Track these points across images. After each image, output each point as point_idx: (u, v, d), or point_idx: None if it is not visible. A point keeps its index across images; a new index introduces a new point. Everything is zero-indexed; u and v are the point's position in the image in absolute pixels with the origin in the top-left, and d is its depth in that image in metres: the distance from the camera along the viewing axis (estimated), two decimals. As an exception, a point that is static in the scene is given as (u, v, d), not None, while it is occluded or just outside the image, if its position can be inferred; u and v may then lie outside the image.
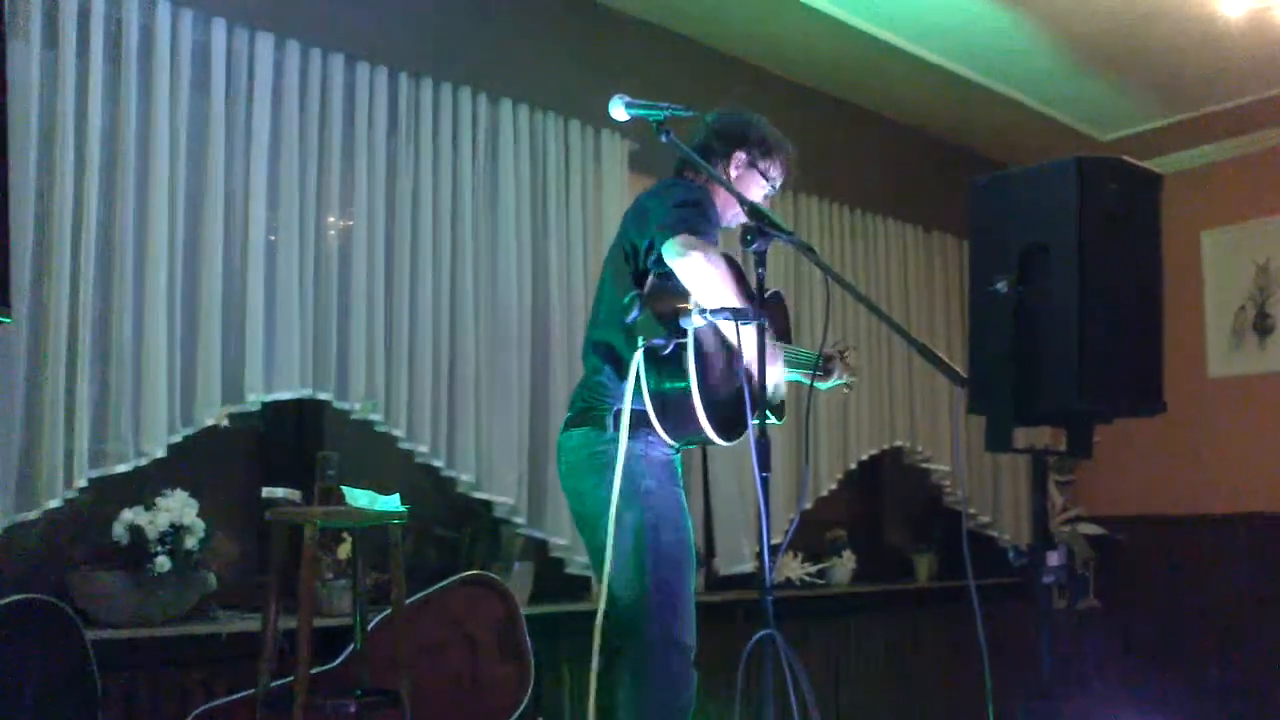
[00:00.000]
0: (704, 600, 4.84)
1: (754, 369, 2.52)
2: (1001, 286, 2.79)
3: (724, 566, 5.04)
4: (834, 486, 5.54)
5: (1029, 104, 5.88)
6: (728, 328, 2.76)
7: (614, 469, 2.75)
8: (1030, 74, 5.55)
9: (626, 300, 2.89)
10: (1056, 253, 2.78)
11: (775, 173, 3.23)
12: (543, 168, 4.52)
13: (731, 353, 2.83)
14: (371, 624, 3.54)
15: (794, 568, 5.38)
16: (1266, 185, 6.28)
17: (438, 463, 4.09)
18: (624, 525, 2.78)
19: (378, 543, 3.49)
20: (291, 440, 4.14)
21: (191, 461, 3.70)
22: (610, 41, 4.78)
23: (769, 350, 2.68)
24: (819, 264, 2.56)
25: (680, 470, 3.00)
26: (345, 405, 3.91)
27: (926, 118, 6.07)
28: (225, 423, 3.72)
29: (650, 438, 2.84)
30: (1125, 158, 2.92)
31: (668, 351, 2.74)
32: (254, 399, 3.71)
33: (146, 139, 3.54)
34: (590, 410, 2.96)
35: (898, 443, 5.92)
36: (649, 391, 2.75)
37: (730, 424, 2.79)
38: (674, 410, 2.76)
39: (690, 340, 2.71)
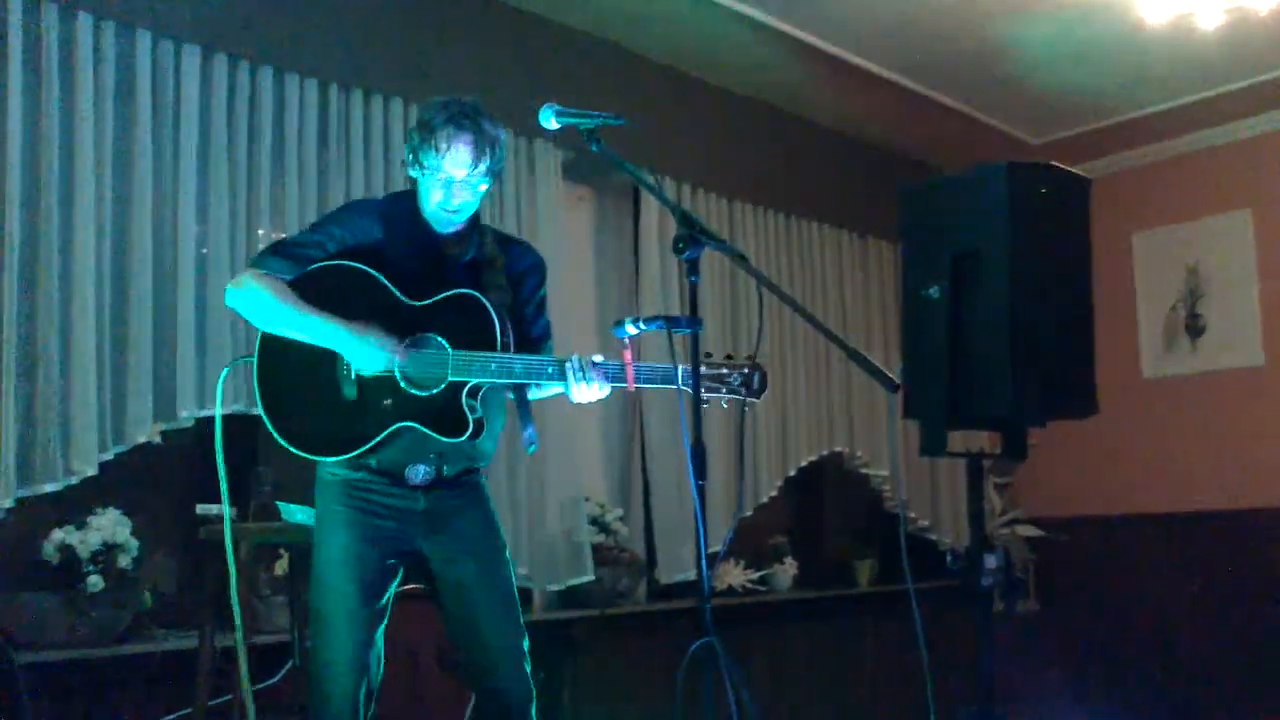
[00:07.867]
0: (646, 610, 4.91)
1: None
2: (934, 292, 2.81)
3: (665, 575, 5.04)
4: (774, 493, 5.54)
5: (961, 109, 5.94)
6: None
7: (320, 492, 2.78)
8: (962, 80, 5.61)
9: None
10: (987, 258, 2.80)
11: (429, 159, 2.68)
12: (476, 177, 4.48)
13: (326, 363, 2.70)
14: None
15: (736, 575, 5.39)
16: (1195, 188, 6.38)
17: (374, 476, 4.04)
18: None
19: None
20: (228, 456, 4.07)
21: (125, 479, 3.65)
22: (541, 50, 4.76)
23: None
24: (752, 272, 2.54)
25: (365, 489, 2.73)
26: (281, 420, 3.85)
27: (860, 124, 6.10)
28: (158, 439, 3.66)
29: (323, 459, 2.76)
30: (1054, 162, 2.95)
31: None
32: (187, 415, 3.65)
33: (70, 152, 3.49)
34: None
35: (837, 448, 5.94)
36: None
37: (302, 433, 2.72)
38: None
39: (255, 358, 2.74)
